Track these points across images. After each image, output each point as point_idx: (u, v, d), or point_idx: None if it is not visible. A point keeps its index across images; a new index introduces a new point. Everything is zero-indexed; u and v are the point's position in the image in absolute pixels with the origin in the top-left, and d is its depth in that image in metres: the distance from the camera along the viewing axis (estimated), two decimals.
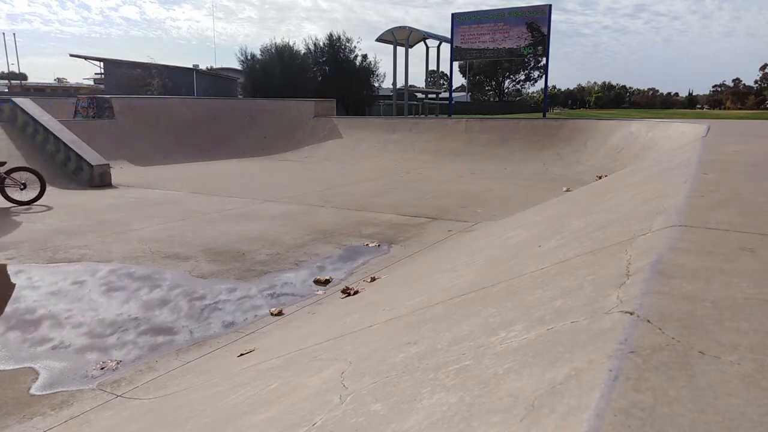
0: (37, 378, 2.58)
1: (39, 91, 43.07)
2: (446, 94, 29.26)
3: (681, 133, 8.22)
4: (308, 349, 2.28)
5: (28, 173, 7.34)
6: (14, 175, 7.21)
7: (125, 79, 28.33)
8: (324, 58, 30.56)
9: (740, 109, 79.30)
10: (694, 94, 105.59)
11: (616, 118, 13.19)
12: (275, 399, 1.70)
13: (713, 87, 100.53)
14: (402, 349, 1.65)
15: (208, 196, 7.67)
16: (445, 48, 23.66)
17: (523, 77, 71.31)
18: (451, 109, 23.13)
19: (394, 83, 25.21)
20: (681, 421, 0.80)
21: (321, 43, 30.67)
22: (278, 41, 30.11)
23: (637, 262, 1.53)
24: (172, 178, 9.48)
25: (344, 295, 3.52)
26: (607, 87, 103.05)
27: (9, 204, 6.96)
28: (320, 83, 28.89)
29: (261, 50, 29.99)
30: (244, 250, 4.69)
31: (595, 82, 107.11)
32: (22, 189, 7.14)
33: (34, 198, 7.12)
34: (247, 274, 4.08)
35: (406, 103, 25.05)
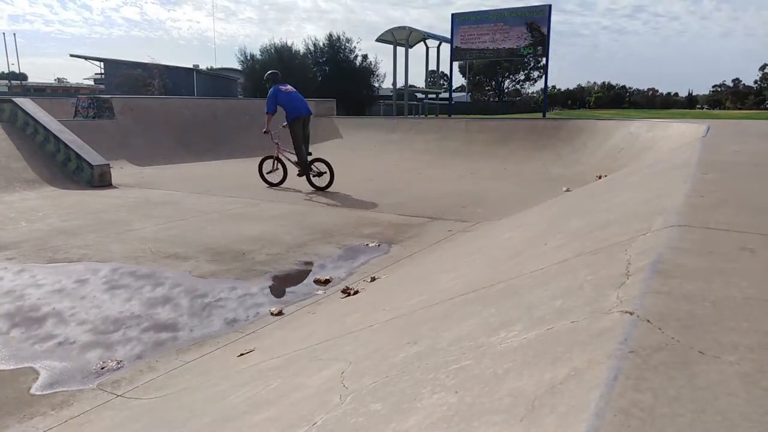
0: (37, 378, 2.58)
1: (39, 91, 43.08)
2: (446, 95, 29.24)
3: (680, 133, 8.22)
4: (308, 348, 2.28)
5: (323, 163, 8.17)
6: (315, 164, 8.21)
7: (125, 79, 28.33)
8: (324, 59, 30.55)
9: (740, 109, 79.31)
10: (693, 94, 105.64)
11: (615, 118, 13.19)
12: (275, 399, 1.70)
13: (713, 87, 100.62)
14: (402, 348, 1.65)
15: (208, 196, 7.67)
16: (445, 48, 23.63)
17: (522, 77, 71.35)
18: (451, 109, 23.12)
19: (394, 83, 25.18)
20: (681, 421, 0.80)
21: (321, 44, 30.69)
22: (277, 42, 30.13)
23: (637, 262, 1.53)
24: (172, 178, 9.48)
25: (344, 295, 3.52)
26: (607, 87, 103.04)
27: (310, 189, 8.09)
28: (320, 83, 28.88)
29: (261, 50, 30.02)
30: (244, 250, 4.69)
31: (594, 82, 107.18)
32: (319, 176, 8.14)
33: (327, 185, 7.99)
34: (247, 274, 4.08)
35: (406, 103, 25.03)
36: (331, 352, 2.03)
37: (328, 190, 7.96)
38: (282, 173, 8.57)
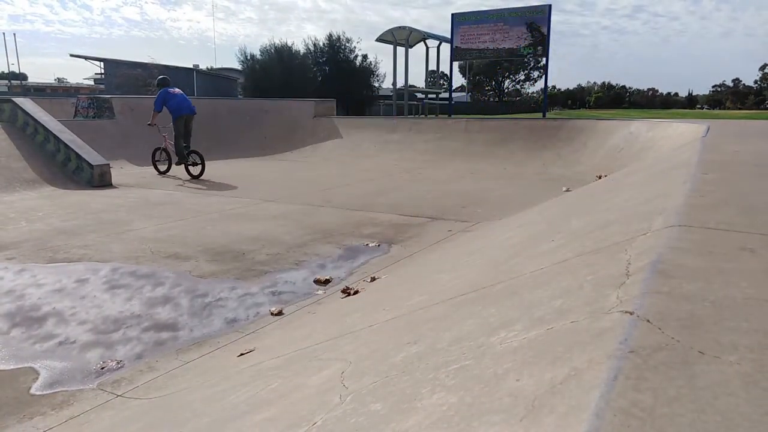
0: (37, 377, 2.58)
1: (39, 91, 43.10)
2: (446, 94, 29.24)
3: (680, 133, 8.22)
4: (308, 348, 2.28)
5: (196, 154, 9.44)
6: (191, 155, 9.49)
7: (125, 79, 28.33)
8: (324, 59, 30.56)
9: (740, 109, 79.32)
10: (693, 94, 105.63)
11: (615, 118, 13.18)
12: (275, 399, 1.70)
13: (713, 87, 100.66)
14: (402, 348, 1.65)
15: (208, 196, 7.67)
16: (445, 48, 23.62)
17: (522, 77, 71.39)
18: (451, 109, 23.13)
19: (394, 83, 25.19)
20: (681, 421, 0.80)
21: (321, 44, 30.70)
22: (277, 42, 30.15)
23: (637, 262, 1.53)
24: (172, 178, 9.48)
25: (344, 295, 3.52)
26: (607, 87, 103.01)
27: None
28: (320, 83, 28.90)
29: (261, 50, 30.03)
30: (244, 250, 4.69)
31: (594, 82, 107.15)
32: (194, 166, 9.42)
33: (199, 174, 9.28)
34: (247, 273, 4.08)
35: (406, 103, 25.03)
36: (331, 352, 2.03)
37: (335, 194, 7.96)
38: (168, 163, 10.00)
